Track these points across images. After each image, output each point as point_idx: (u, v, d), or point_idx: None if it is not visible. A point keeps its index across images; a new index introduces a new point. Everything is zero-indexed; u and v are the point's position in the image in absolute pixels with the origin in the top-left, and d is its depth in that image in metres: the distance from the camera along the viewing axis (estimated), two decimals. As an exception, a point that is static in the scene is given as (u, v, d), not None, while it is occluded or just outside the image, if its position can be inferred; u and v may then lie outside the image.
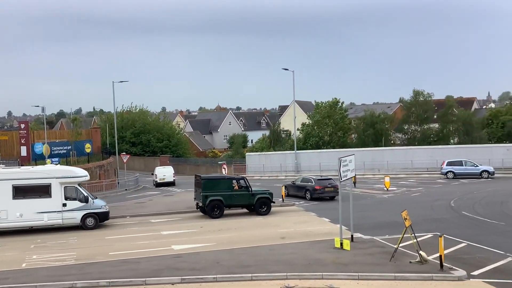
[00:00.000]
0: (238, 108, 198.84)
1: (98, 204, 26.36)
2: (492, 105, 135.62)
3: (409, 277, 14.94)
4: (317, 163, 55.81)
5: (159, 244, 20.97)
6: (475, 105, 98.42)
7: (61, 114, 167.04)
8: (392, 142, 66.76)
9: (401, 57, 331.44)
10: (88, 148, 51.75)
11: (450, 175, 44.38)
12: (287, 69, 57.64)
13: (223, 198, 27.50)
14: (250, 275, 15.57)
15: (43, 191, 24.94)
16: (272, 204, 28.74)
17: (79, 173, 26.63)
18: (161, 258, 18.22)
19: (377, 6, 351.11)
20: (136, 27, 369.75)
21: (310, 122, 68.53)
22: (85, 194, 26.05)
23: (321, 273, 15.43)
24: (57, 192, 25.06)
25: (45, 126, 63.54)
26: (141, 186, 51.01)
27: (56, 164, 32.79)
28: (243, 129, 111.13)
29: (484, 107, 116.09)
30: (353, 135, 70.33)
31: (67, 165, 37.39)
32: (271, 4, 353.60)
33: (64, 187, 25.31)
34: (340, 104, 68.85)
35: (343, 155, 20.06)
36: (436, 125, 65.67)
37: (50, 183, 24.97)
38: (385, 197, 34.08)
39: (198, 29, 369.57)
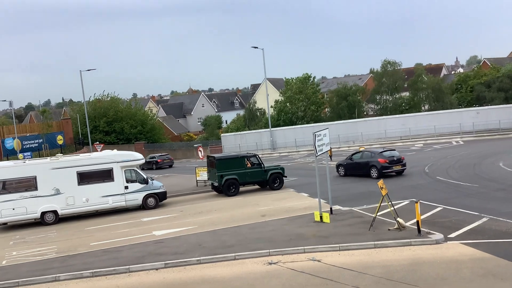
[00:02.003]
0: (210, 90, 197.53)
1: (157, 185, 27.52)
2: (461, 70, 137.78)
3: (388, 244, 15.26)
4: (292, 139, 56.19)
5: (140, 231, 20.92)
6: (444, 71, 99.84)
7: (29, 107, 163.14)
8: (365, 113, 67.53)
9: (369, 28, 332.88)
10: (60, 140, 50.99)
11: None
12: (257, 47, 57.51)
13: (238, 176, 28.20)
14: (234, 254, 15.69)
15: (106, 175, 26.08)
16: (284, 178, 29.22)
17: (137, 156, 27.67)
18: (143, 245, 18.21)
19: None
20: (98, 13, 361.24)
21: (283, 98, 68.64)
22: (144, 176, 27.19)
23: (302, 247, 15.65)
24: (119, 175, 26.24)
25: (14, 120, 62.16)
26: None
27: (29, 158, 32.41)
28: (216, 110, 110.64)
29: (452, 72, 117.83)
30: (326, 109, 70.78)
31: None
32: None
33: (125, 170, 26.47)
34: (311, 79, 69.04)
35: (317, 130, 20.20)
36: (407, 94, 66.58)
37: (112, 168, 26.11)
38: (361, 168, 34.48)
39: (163, 11, 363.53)
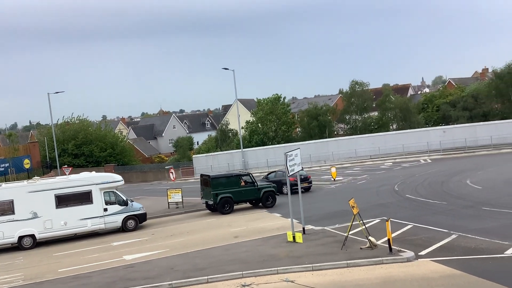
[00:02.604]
0: (182, 111, 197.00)
1: (137, 207, 27.24)
2: (427, 90, 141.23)
3: (360, 263, 15.35)
4: (264, 159, 56.33)
5: (110, 256, 20.49)
6: (411, 91, 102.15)
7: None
8: (335, 132, 68.32)
9: (338, 49, 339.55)
10: (27, 164, 49.83)
11: None
12: (227, 69, 57.78)
13: (232, 194, 28.51)
14: (206, 277, 15.51)
15: (84, 198, 25.69)
16: (276, 196, 29.78)
17: (116, 178, 27.41)
18: (113, 270, 17.82)
19: (311, 1, 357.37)
20: (66, 35, 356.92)
21: (254, 119, 68.98)
22: (124, 198, 26.88)
23: (276, 268, 15.59)
24: (98, 197, 25.87)
25: (-22, 144, 60.54)
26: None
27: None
28: (188, 131, 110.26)
29: (419, 92, 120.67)
30: (297, 129, 71.37)
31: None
32: (206, 3, 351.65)
33: (104, 192, 26.11)
34: (282, 99, 69.68)
35: (289, 150, 20.34)
36: (376, 113, 67.74)
37: (91, 190, 25.78)
38: (333, 187, 34.82)
39: (133, 33, 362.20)
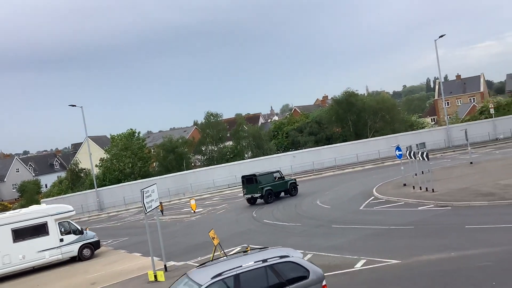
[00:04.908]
0: (26, 152, 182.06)
1: (91, 235, 27.48)
2: (276, 117, 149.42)
3: (225, 294, 15.32)
4: (121, 197, 54.34)
5: None
6: (261, 120, 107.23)
7: None
8: (193, 164, 68.59)
9: (190, 81, 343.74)
10: None
11: None
12: (75, 105, 55.07)
13: (272, 187, 35.88)
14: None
15: (41, 230, 25.66)
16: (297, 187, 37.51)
17: (69, 208, 27.52)
18: None
19: (162, 33, 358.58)
20: None
21: (108, 156, 66.40)
22: (79, 227, 27.11)
23: (138, 312, 14.92)
24: (54, 228, 25.96)
25: None
26: None
27: None
28: (34, 174, 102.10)
29: (269, 120, 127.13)
30: (154, 163, 70.25)
31: None
32: (46, 38, 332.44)
33: (59, 223, 26.23)
34: (136, 134, 68.24)
35: (145, 186, 19.85)
36: (231, 143, 69.64)
37: (46, 221, 25.80)
38: (193, 219, 34.70)
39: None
